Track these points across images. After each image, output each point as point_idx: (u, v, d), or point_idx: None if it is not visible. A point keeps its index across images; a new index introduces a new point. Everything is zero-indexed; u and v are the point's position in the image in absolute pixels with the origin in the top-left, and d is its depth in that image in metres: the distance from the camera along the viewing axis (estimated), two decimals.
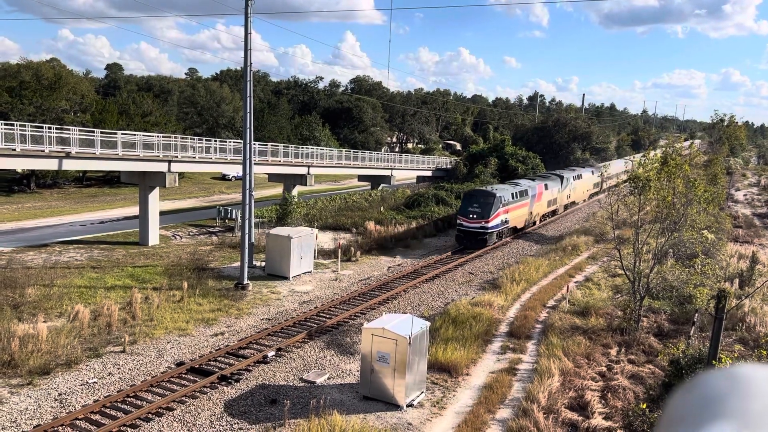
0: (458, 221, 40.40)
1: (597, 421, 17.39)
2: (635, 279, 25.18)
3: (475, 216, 39.41)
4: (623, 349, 23.19)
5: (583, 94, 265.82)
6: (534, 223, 49.36)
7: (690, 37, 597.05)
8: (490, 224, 39.45)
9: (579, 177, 60.26)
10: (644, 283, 25.09)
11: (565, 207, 57.71)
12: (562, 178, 54.70)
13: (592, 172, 65.48)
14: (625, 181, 28.14)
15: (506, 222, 41.73)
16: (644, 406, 16.78)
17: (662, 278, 26.21)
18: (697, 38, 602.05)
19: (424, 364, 19.11)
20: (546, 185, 50.17)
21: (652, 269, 25.31)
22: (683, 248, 30.67)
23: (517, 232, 45.67)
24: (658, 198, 25.27)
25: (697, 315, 24.38)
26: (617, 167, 73.71)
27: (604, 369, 21.34)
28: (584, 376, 20.57)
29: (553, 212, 54.38)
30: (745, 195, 78.26)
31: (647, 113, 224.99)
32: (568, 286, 30.52)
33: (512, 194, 42.61)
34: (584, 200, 64.97)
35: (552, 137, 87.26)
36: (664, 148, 27.80)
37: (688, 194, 25.82)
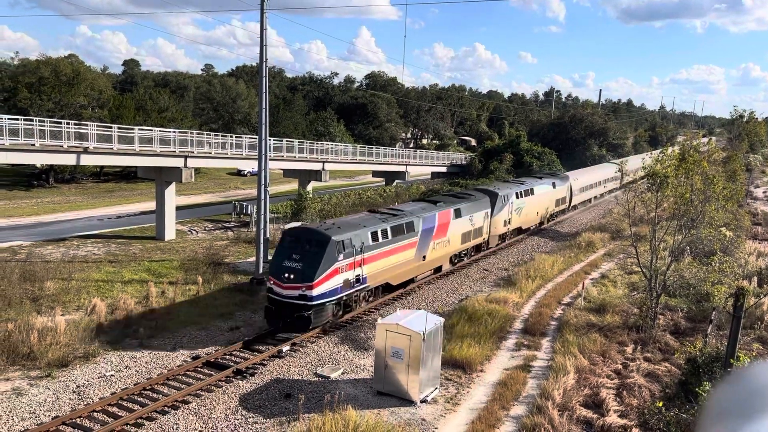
0: (268, 284, 24.03)
1: (612, 419, 17.29)
2: (652, 276, 24.97)
3: (292, 276, 22.94)
4: (639, 347, 23.03)
5: (600, 90, 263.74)
6: (439, 269, 32.89)
7: (709, 32, 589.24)
8: (315, 291, 22.83)
9: (528, 193, 43.93)
10: (661, 281, 24.88)
11: (502, 237, 40.86)
12: (494, 196, 38.38)
13: (554, 184, 49.57)
14: (641, 178, 27.68)
15: (360, 281, 25.21)
16: (660, 405, 16.64)
17: (679, 276, 25.96)
18: (717, 33, 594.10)
19: (438, 360, 19.11)
20: (458, 210, 33.55)
21: (669, 266, 25.08)
22: (701, 245, 30.35)
23: (393, 290, 29.19)
24: (675, 195, 25.02)
25: (714, 313, 24.14)
26: (594, 176, 61.77)
27: (620, 367, 21.20)
28: (600, 373, 20.45)
29: (477, 248, 37.52)
30: (764, 192, 77.22)
31: (665, 109, 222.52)
32: (583, 283, 30.33)
33: (377, 233, 26.19)
34: (538, 224, 47.76)
35: (568, 133, 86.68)
36: (681, 145, 27.53)
37: (707, 191, 25.55)
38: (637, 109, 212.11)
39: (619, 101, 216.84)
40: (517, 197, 41.79)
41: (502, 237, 40.94)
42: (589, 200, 63.30)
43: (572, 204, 55.38)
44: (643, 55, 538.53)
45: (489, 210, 37.73)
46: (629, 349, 22.80)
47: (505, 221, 39.96)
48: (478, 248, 37.77)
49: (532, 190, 44.83)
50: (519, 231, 44.22)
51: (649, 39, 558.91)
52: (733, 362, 15.62)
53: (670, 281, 25.28)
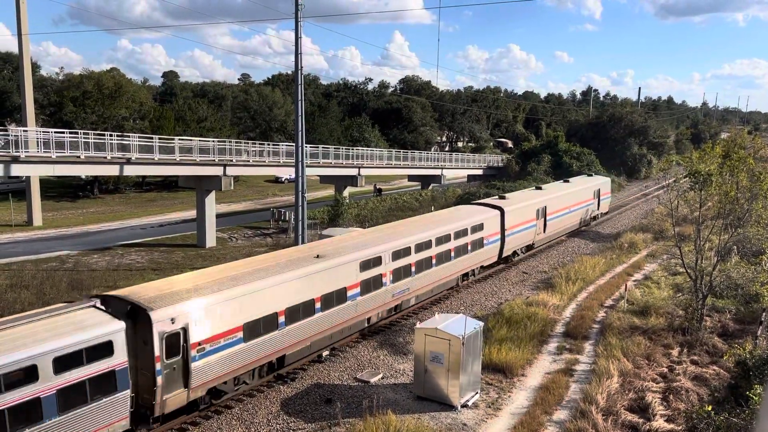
0: None
1: (659, 423, 16.88)
2: (697, 277, 24.33)
3: None
4: (685, 350, 22.44)
5: (639, 88, 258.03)
6: None
7: (752, 25, 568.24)
8: None
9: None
10: (707, 282, 24.21)
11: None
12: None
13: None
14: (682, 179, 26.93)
15: None
16: (709, 408, 16.17)
17: (726, 276, 25.23)
18: (760, 26, 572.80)
19: (478, 365, 18.97)
20: None
21: (715, 267, 24.39)
22: (748, 245, 29.46)
23: None
24: (720, 193, 24.35)
25: (764, 314, 23.38)
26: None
27: (666, 370, 20.70)
28: (644, 377, 20.00)
29: None
30: None
31: (707, 106, 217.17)
32: (626, 285, 29.73)
33: None
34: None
35: (607, 132, 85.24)
36: (725, 142, 26.86)
37: (753, 188, 24.78)
38: (678, 107, 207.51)
39: (660, 99, 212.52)
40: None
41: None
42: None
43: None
44: (683, 51, 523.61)
45: None
46: (675, 352, 22.24)
47: None
48: None
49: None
50: None
51: (689, 34, 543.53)
52: None
53: (716, 282, 24.59)
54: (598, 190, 48.81)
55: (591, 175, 53.43)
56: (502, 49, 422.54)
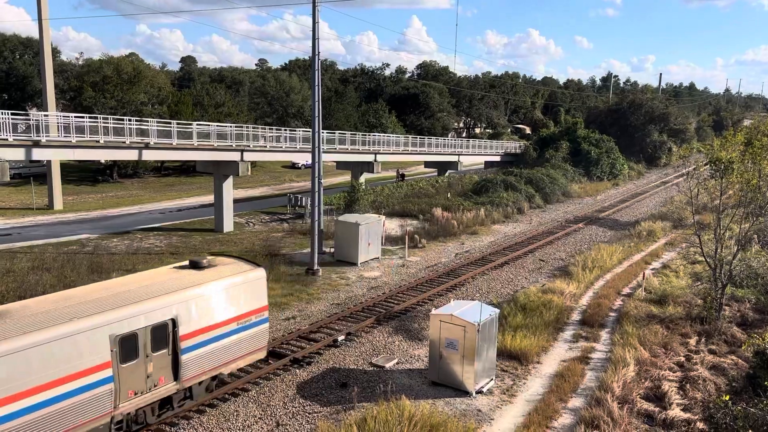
0: None
1: (675, 412, 16.80)
2: (716, 266, 24.07)
3: None
4: (703, 339, 22.27)
5: (660, 74, 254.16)
6: None
7: None
8: None
9: None
10: (726, 271, 23.95)
11: None
12: None
13: None
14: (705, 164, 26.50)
15: None
16: (727, 398, 16.06)
17: (746, 265, 24.95)
18: None
19: (493, 351, 18.98)
20: None
21: (735, 256, 24.12)
22: None
23: None
24: (741, 181, 24.01)
25: None
26: None
27: (683, 359, 20.57)
28: (661, 366, 19.89)
29: None
30: None
31: (730, 92, 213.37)
32: (644, 274, 29.51)
33: None
34: None
35: (627, 119, 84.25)
36: (748, 129, 26.42)
37: None
38: (700, 93, 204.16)
39: (681, 85, 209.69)
40: None
41: None
42: None
43: None
44: (706, 37, 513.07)
45: None
46: (693, 342, 22.08)
47: None
48: None
49: None
50: None
51: (713, 19, 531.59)
52: None
53: (736, 271, 24.33)
54: (169, 323, 15.62)
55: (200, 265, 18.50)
56: (521, 34, 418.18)
